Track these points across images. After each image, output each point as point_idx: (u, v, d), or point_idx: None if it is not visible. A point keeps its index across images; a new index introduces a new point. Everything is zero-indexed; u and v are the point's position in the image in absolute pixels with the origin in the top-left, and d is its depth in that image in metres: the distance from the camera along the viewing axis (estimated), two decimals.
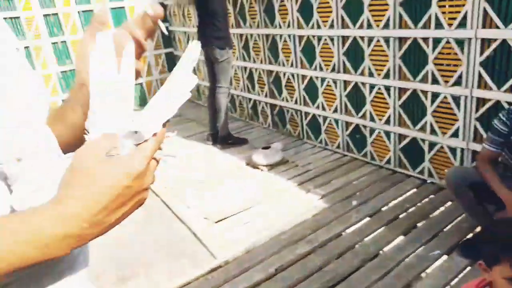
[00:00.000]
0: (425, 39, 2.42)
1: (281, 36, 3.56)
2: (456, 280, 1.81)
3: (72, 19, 4.77)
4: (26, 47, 4.53)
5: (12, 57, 0.50)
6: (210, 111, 3.72)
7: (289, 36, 3.47)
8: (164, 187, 2.99)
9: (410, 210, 2.42)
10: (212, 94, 3.64)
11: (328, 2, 2.97)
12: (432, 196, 2.55)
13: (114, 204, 0.41)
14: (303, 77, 3.49)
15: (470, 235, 2.09)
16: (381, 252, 2.07)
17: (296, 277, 1.93)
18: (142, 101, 5.57)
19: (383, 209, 2.47)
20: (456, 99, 2.37)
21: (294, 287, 1.87)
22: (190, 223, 2.43)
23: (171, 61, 5.68)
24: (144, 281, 2.02)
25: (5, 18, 3.79)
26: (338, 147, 3.38)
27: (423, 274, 1.88)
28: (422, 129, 2.64)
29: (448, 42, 2.30)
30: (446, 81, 2.38)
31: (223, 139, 3.70)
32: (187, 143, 3.96)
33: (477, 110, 2.30)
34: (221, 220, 2.50)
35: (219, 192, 2.86)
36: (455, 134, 2.45)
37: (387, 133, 2.88)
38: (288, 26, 3.43)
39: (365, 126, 3.06)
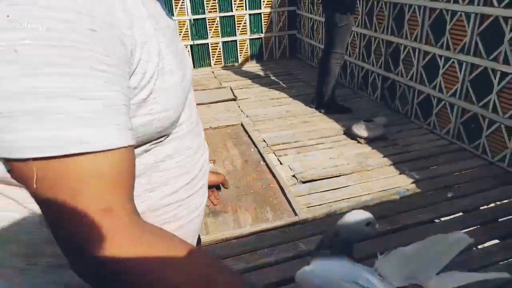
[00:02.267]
0: None
1: (410, 6, 3.31)
2: None
3: None
4: None
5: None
6: (319, 74, 3.74)
7: (419, 7, 3.21)
8: (264, 141, 3.20)
9: None
10: (325, 57, 3.63)
11: None
12: None
13: None
14: (425, 53, 3.24)
15: None
16: (465, 251, 1.97)
17: (370, 252, 1.98)
18: (260, 56, 5.80)
19: (481, 208, 2.31)
20: None
21: (366, 259, 1.94)
22: (279, 178, 2.61)
23: (292, 19, 5.71)
24: (231, 217, 2.29)
25: None
26: (447, 133, 3.15)
27: (509, 284, 1.76)
28: None
29: None
30: None
31: (327, 104, 3.73)
32: (292, 102, 4.09)
33: None
34: (308, 181, 2.63)
35: (313, 155, 2.97)
36: None
37: (509, 129, 2.58)
38: None
39: (484, 117, 2.77)
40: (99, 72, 0.42)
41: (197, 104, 0.71)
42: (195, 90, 0.64)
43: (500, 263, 1.88)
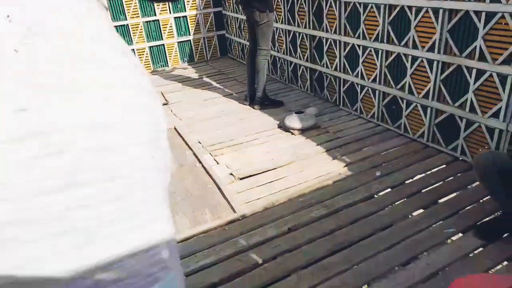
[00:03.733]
0: (477, 12, 2.27)
1: (327, 1, 3.46)
2: (464, 259, 1.82)
3: None
4: None
5: None
6: (248, 72, 3.78)
7: (334, 1, 3.36)
8: (199, 143, 3.17)
9: (435, 186, 2.40)
10: (252, 55, 3.68)
11: None
12: (460, 174, 2.49)
13: None
14: (345, 44, 3.41)
15: (490, 218, 2.05)
16: (394, 224, 2.10)
17: (307, 237, 2.04)
18: (191, 58, 5.73)
19: (406, 182, 2.47)
20: (503, 78, 2.24)
21: (304, 245, 1.99)
22: (216, 177, 2.60)
23: (219, 19, 5.72)
24: None
25: None
26: (372, 116, 3.33)
27: (432, 250, 1.91)
28: (461, 106, 2.53)
29: (503, 17, 2.14)
30: (495, 59, 2.24)
31: (260, 100, 3.78)
32: (226, 101, 4.09)
33: None
34: (246, 177, 2.64)
35: (248, 151, 2.99)
36: (495, 115, 2.34)
37: (424, 107, 2.80)
38: None
39: (402, 99, 2.98)
40: None
41: None
42: None
43: (425, 230, 2.02)
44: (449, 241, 1.96)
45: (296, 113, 3.31)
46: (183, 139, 3.19)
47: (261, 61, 3.62)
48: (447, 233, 2.00)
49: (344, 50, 3.44)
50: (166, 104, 4.10)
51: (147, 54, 5.38)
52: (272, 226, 2.14)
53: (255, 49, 3.62)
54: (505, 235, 1.91)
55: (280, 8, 4.17)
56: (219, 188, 2.48)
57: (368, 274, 1.76)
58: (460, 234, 1.99)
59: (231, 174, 2.69)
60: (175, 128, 3.40)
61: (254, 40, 3.62)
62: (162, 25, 5.33)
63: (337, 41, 3.48)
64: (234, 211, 2.26)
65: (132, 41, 5.20)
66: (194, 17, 5.53)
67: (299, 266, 1.85)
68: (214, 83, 4.74)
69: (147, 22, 5.24)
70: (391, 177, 2.53)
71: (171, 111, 3.93)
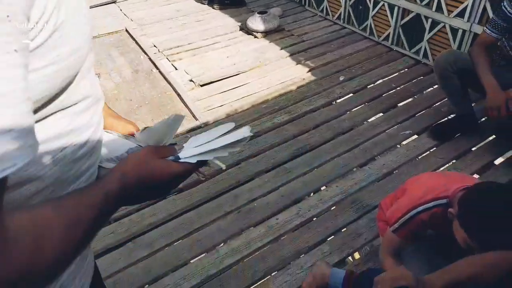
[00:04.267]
0: None
1: None
2: (417, 158, 1.92)
3: None
4: None
5: None
6: None
7: None
8: (154, 46, 2.93)
9: (395, 89, 2.42)
10: None
11: None
12: (421, 77, 2.51)
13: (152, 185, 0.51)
14: None
15: (444, 120, 2.13)
16: (354, 128, 2.14)
17: (270, 142, 2.05)
18: None
19: (368, 86, 2.47)
20: None
21: (266, 151, 2.00)
22: (175, 84, 2.47)
23: None
24: None
25: None
26: (338, 17, 3.18)
27: (388, 151, 1.99)
28: (428, 4, 2.44)
29: None
30: None
31: None
32: (182, 0, 3.72)
33: None
34: (206, 84, 2.53)
35: (209, 56, 2.82)
36: (460, 14, 2.28)
37: (392, 7, 2.68)
38: None
39: None
40: None
41: None
42: None
43: (383, 133, 2.09)
44: (404, 142, 2.05)
45: (259, 13, 3.09)
46: (137, 43, 2.94)
47: None
48: (403, 135, 2.07)
49: None
50: (114, 2, 3.67)
51: None
52: None
53: None
54: (457, 135, 2.01)
55: None
56: (178, 95, 2.38)
57: (328, 176, 1.83)
58: (415, 136, 2.08)
59: (191, 80, 2.56)
60: (126, 30, 3.11)
61: None
62: None
63: None
64: (196, 119, 2.20)
65: None
66: None
67: (262, 170, 1.88)
68: None
69: None
70: (353, 81, 2.51)
71: (121, 10, 3.54)
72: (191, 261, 1.49)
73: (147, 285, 1.42)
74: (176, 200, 1.72)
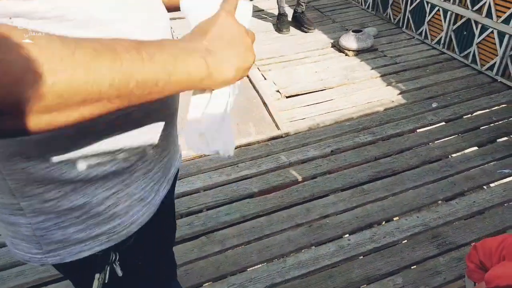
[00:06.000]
0: None
1: None
2: None
3: None
4: None
5: None
6: None
7: None
8: None
9: (495, 123, 2.22)
10: None
11: None
12: None
13: (228, 42, 0.48)
14: None
15: None
16: (444, 158, 2.01)
17: (349, 161, 2.01)
18: None
19: (464, 116, 2.30)
20: None
21: (344, 169, 1.97)
22: (263, 93, 2.55)
23: None
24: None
25: None
26: (438, 42, 3.02)
27: (481, 187, 1.82)
28: None
29: None
30: None
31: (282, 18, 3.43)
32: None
33: None
34: (292, 95, 2.57)
35: (298, 69, 2.87)
36: None
37: (502, 34, 2.47)
38: None
39: (477, 23, 2.63)
40: None
41: None
42: None
43: (477, 167, 1.92)
44: (501, 182, 1.86)
45: (353, 31, 3.06)
46: None
47: None
48: (501, 173, 1.89)
49: None
50: None
51: None
52: (314, 146, 2.12)
53: None
54: None
55: None
56: (264, 104, 2.45)
57: (409, 204, 1.74)
58: None
59: (277, 91, 2.62)
60: None
61: None
62: None
63: None
64: (278, 128, 2.24)
65: None
66: None
67: (338, 188, 1.85)
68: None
69: None
70: (448, 109, 2.36)
71: None
72: (259, 266, 1.52)
73: (212, 282, 1.48)
74: (250, 204, 1.77)
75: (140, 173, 0.57)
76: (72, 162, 0.48)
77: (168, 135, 0.61)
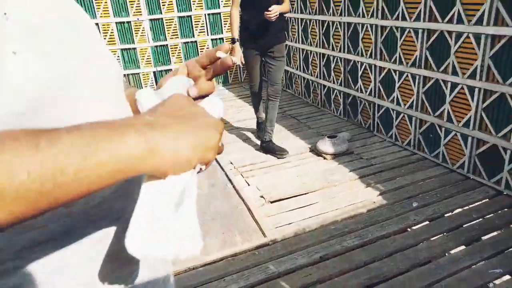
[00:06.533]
0: None
1: (363, 25, 3.45)
2: None
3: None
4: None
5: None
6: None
7: (371, 26, 3.34)
8: (231, 163, 3.16)
9: (477, 221, 2.26)
10: (260, 96, 3.54)
11: None
12: (506, 209, 2.34)
13: (182, 117, 0.40)
14: (381, 69, 3.36)
15: None
16: (434, 260, 1.99)
17: (339, 268, 1.96)
18: (225, 79, 5.81)
19: (446, 215, 2.35)
20: None
21: (335, 277, 1.90)
22: (247, 199, 2.57)
23: None
24: None
25: None
26: (408, 144, 3.23)
27: None
28: (505, 136, 2.41)
29: None
30: None
31: (266, 146, 3.34)
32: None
33: None
34: (276, 200, 2.60)
35: (280, 173, 2.95)
36: None
37: (465, 137, 2.68)
38: (372, 15, 3.30)
39: (440, 126, 2.87)
40: None
41: None
42: None
43: (468, 268, 1.90)
44: (496, 282, 1.82)
45: (328, 137, 3.26)
46: (216, 159, 3.20)
47: (276, 103, 3.27)
48: (493, 273, 1.86)
49: (380, 74, 3.39)
50: None
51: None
52: (302, 253, 2.07)
53: (265, 89, 3.31)
54: None
55: (315, 31, 4.20)
56: (249, 210, 2.45)
57: None
58: (508, 276, 1.85)
59: (261, 196, 2.65)
60: None
61: (262, 79, 3.36)
62: (200, 46, 5.47)
63: (373, 66, 3.44)
64: (264, 236, 2.21)
65: (170, 61, 5.34)
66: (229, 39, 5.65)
67: None
68: (247, 105, 4.78)
69: (185, 43, 5.39)
70: (428, 208, 2.41)
71: None
72: None
73: None
74: None
75: None
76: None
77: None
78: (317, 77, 4.41)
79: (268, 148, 3.30)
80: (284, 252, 2.09)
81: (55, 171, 0.30)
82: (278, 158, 3.23)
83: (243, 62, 3.25)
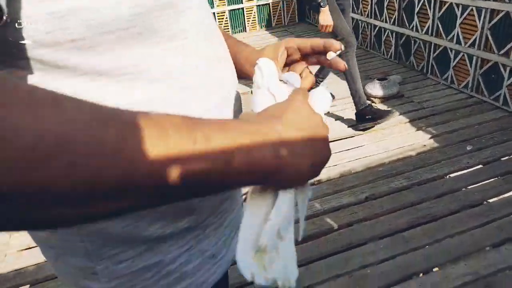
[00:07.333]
0: None
1: None
2: None
3: None
4: None
5: None
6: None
7: None
8: None
9: None
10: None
11: None
12: None
13: (306, 132, 0.37)
14: (441, 3, 3.08)
15: None
16: (486, 202, 1.92)
17: (386, 207, 1.96)
18: (268, 23, 5.66)
19: (502, 159, 2.23)
20: None
21: (381, 216, 1.91)
22: None
23: None
24: None
25: None
26: (465, 86, 3.02)
27: None
28: None
29: None
30: None
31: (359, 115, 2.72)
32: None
33: None
34: None
35: (328, 116, 2.91)
36: None
37: None
38: None
39: (505, 66, 2.64)
40: None
41: None
42: None
43: None
44: None
45: (378, 79, 3.12)
46: None
47: (345, 56, 2.49)
48: None
49: (439, 10, 3.11)
50: None
51: (226, 18, 5.40)
52: (348, 193, 2.09)
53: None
54: None
55: None
56: None
57: (454, 252, 1.65)
58: None
59: None
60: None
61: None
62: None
63: (432, 0, 3.16)
64: None
65: (213, 4, 5.24)
66: None
67: (376, 235, 1.79)
68: None
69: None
70: (484, 152, 2.30)
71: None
72: None
73: None
74: None
75: (212, 227, 0.52)
76: (149, 220, 0.45)
77: None
78: (367, 16, 4.14)
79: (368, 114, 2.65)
80: (330, 191, 2.11)
81: (201, 175, 0.29)
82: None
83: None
